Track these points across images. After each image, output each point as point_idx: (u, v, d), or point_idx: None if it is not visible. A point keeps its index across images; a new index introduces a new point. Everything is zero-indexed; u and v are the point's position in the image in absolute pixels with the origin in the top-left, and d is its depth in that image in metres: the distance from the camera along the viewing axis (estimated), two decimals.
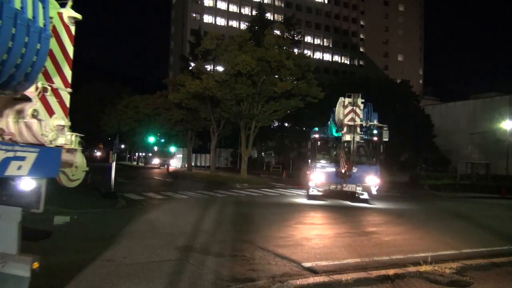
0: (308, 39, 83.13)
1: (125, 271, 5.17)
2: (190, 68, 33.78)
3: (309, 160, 15.54)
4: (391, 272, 5.14)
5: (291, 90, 23.87)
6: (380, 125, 15.40)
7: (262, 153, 51.29)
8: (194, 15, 73.51)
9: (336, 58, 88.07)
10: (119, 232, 7.85)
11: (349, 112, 12.59)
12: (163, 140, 44.84)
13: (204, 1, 74.75)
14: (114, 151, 13.37)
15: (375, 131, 14.30)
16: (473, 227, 10.48)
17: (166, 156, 46.15)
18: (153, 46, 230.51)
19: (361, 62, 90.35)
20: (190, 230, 8.22)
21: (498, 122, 40.18)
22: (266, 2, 75.88)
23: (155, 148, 48.74)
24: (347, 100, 12.70)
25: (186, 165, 39.16)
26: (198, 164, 47.79)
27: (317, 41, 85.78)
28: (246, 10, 76.44)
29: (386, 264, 6.03)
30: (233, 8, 76.83)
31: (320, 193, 14.80)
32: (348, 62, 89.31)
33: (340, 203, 14.78)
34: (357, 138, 12.54)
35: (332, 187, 14.29)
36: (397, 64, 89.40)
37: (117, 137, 14.66)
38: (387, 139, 14.63)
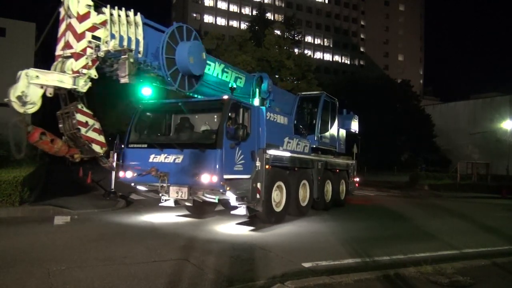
0: (309, 39, 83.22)
1: (125, 271, 5.17)
2: None
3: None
4: (391, 272, 5.12)
5: (291, 90, 23.85)
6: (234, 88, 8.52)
7: None
8: (194, 15, 73.55)
9: (337, 58, 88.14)
10: (119, 232, 7.85)
11: (63, 32, 5.99)
12: None
13: (204, 1, 74.80)
14: (115, 151, 13.29)
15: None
16: (474, 227, 10.48)
17: None
18: None
19: (361, 62, 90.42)
20: (190, 230, 8.21)
21: (499, 122, 40.25)
22: (267, 2, 75.95)
23: None
24: (62, 11, 5.97)
25: None
26: None
27: (318, 41, 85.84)
28: (246, 10, 76.49)
29: (386, 264, 6.02)
30: (234, 8, 76.89)
31: (173, 204, 8.94)
32: (348, 62, 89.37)
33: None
34: (81, 84, 6.05)
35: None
36: (397, 64, 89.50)
37: (117, 137, 14.59)
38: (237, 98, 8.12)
